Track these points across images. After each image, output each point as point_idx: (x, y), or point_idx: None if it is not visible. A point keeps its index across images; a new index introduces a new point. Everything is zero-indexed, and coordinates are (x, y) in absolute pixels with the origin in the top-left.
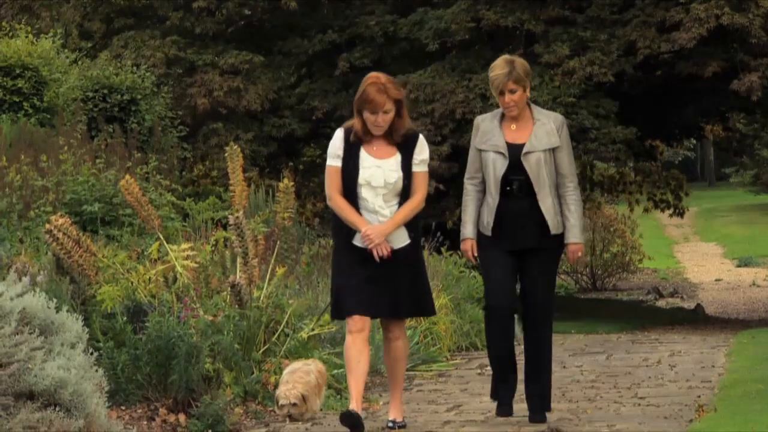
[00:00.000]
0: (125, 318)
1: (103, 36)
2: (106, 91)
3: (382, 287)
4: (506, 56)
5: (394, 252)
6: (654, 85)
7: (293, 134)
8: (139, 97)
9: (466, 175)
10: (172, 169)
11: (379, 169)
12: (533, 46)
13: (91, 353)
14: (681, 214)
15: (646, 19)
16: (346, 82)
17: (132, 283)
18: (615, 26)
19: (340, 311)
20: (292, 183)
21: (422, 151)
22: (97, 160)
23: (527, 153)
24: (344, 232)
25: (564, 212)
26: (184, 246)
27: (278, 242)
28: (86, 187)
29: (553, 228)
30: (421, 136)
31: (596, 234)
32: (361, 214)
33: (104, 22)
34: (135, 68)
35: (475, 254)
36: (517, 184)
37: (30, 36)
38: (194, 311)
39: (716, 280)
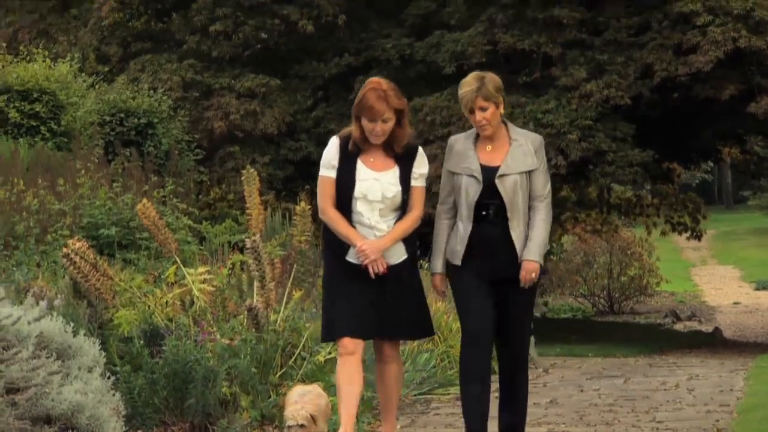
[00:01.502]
0: (142, 342)
1: (120, 60)
2: (123, 115)
3: (375, 306)
4: (477, 72)
5: (389, 268)
6: (671, 107)
7: (309, 157)
8: (155, 120)
9: (439, 200)
10: (188, 192)
11: (377, 182)
12: (550, 69)
13: (108, 377)
14: (698, 237)
15: (663, 42)
16: None
17: (149, 306)
18: (632, 49)
19: (331, 333)
20: (308, 206)
21: (422, 164)
22: (114, 184)
23: (502, 175)
24: (337, 247)
25: (530, 234)
26: (201, 269)
27: (295, 265)
28: (103, 210)
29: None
30: (420, 149)
31: (613, 257)
32: (355, 228)
33: (121, 46)
34: (152, 92)
35: (444, 290)
36: (493, 209)
37: (47, 60)
38: (211, 335)
39: (734, 303)
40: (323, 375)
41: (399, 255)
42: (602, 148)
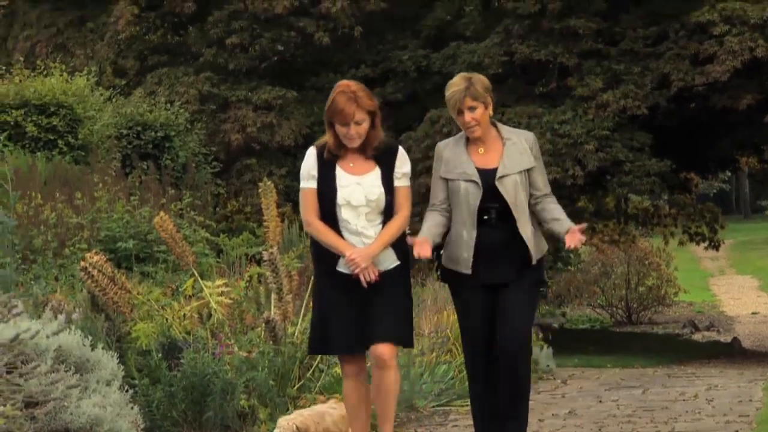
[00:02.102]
0: (160, 355)
1: (137, 73)
2: (140, 128)
3: (369, 315)
4: (463, 73)
5: (381, 275)
6: (688, 117)
7: None
8: (172, 133)
9: (430, 206)
10: (206, 205)
11: (359, 186)
12: (566, 79)
13: (127, 390)
14: (716, 247)
15: (680, 51)
16: None
17: (167, 319)
18: (648, 59)
19: (326, 347)
20: None
21: (404, 164)
22: (132, 197)
23: (502, 177)
24: (326, 258)
25: (553, 216)
26: (219, 282)
27: (312, 278)
28: (121, 224)
29: (536, 256)
30: (401, 148)
31: (631, 267)
32: (343, 237)
33: (138, 59)
34: (169, 105)
35: (424, 252)
36: (495, 212)
37: (64, 74)
38: (229, 347)
39: (753, 313)
40: (341, 388)
41: (390, 261)
42: (619, 158)
